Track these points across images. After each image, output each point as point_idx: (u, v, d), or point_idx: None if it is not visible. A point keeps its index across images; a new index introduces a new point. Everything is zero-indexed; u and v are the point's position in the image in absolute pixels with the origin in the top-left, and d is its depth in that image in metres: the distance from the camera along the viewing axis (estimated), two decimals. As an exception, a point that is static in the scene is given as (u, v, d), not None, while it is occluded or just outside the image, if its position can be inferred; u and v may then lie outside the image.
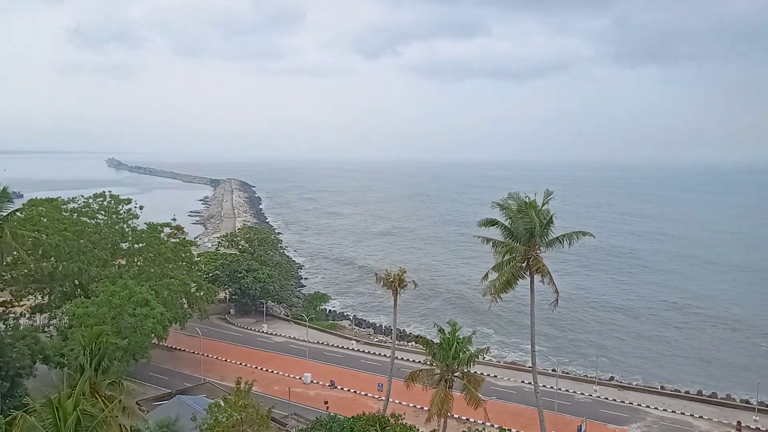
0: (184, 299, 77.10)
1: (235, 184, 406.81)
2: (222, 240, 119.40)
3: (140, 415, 44.04)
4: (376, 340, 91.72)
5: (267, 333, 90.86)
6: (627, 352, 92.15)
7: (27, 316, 74.43)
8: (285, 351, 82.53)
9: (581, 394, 69.15)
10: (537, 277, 41.28)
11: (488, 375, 69.48)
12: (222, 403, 43.19)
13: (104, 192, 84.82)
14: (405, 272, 53.15)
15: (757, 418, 62.08)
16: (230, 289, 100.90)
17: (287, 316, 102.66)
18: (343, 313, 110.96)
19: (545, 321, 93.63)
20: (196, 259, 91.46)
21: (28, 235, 56.94)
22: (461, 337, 43.10)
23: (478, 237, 42.60)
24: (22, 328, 58.92)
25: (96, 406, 31.98)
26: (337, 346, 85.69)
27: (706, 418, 62.89)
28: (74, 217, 78.69)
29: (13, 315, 71.63)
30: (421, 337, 48.68)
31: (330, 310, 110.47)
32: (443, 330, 43.27)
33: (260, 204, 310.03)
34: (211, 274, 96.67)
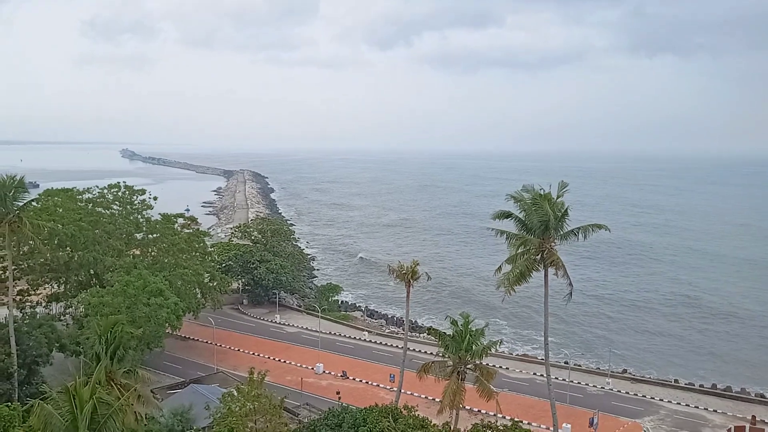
0: (197, 289, 77.76)
1: (248, 175, 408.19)
2: (235, 231, 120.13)
3: (155, 404, 44.61)
4: (387, 331, 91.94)
5: (279, 323, 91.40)
6: (640, 345, 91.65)
7: (43, 304, 75.39)
8: (297, 341, 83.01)
9: (593, 386, 68.95)
10: (551, 270, 41.06)
11: (500, 367, 69.55)
12: (235, 393, 43.52)
13: (119, 182, 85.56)
14: (418, 264, 53.11)
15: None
16: (243, 280, 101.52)
17: (299, 306, 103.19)
18: (355, 304, 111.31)
19: (558, 314, 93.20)
20: (210, 249, 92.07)
21: (44, 225, 57.54)
22: (474, 329, 43.04)
23: (492, 229, 42.42)
24: (38, 316, 59.83)
25: (112, 394, 32.37)
26: (349, 336, 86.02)
27: (720, 411, 62.45)
28: (89, 207, 79.53)
29: (29, 304, 72.64)
30: (433, 329, 48.70)
31: (342, 301, 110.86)
32: (456, 322, 43.23)
33: (273, 195, 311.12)
34: (224, 265, 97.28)
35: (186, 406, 50.55)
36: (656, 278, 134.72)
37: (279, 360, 75.13)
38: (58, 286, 77.51)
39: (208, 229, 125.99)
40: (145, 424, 40.35)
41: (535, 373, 71.77)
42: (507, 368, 73.11)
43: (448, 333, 44.39)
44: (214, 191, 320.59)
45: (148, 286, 62.40)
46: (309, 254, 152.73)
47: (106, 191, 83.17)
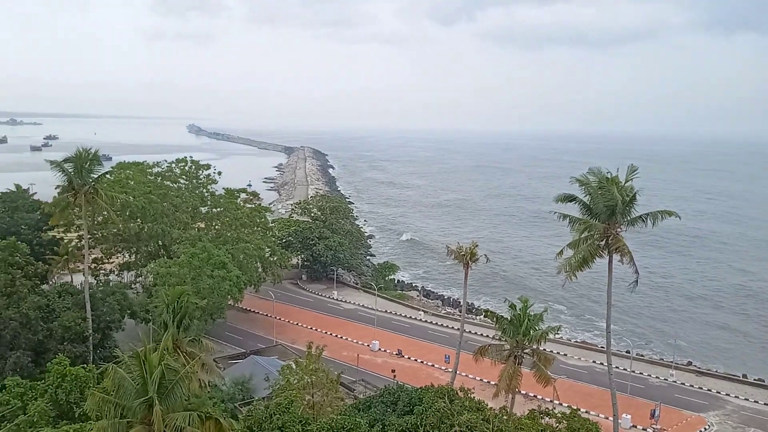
0: (258, 263, 79.61)
1: (308, 152, 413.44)
2: (295, 207, 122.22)
3: (218, 372, 46.31)
4: (443, 311, 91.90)
5: (337, 299, 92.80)
6: (706, 338, 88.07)
7: (116, 273, 79.01)
8: (354, 318, 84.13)
9: (656, 377, 66.90)
10: (615, 257, 39.75)
11: (558, 353, 68.39)
12: (294, 366, 44.57)
13: (186, 157, 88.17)
14: (477, 246, 52.57)
15: None
16: (302, 256, 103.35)
17: (357, 284, 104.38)
18: (411, 283, 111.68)
19: (621, 301, 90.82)
20: (271, 225, 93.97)
21: (117, 197, 60.10)
22: (532, 313, 42.37)
23: (554, 212, 41.32)
24: (111, 284, 62.78)
25: (178, 361, 33.68)
26: (405, 315, 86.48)
27: (792, 410, 59.44)
28: (158, 180, 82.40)
29: (103, 272, 76.33)
30: (490, 312, 48.24)
31: (398, 280, 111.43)
32: (514, 306, 42.63)
33: (332, 172, 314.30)
34: (284, 240, 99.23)
35: (246, 376, 52.30)
36: (723, 269, 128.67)
37: (336, 336, 76.41)
38: (130, 256, 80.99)
39: (269, 204, 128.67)
40: (209, 392, 41.96)
41: (594, 361, 70.24)
42: (565, 355, 71.83)
43: (505, 316, 43.89)
44: (276, 167, 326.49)
45: (212, 258, 64.38)
46: (367, 232, 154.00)
47: (174, 165, 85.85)
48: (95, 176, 53.48)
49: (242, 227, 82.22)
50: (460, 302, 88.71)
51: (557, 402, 51.50)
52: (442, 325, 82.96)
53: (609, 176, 38.99)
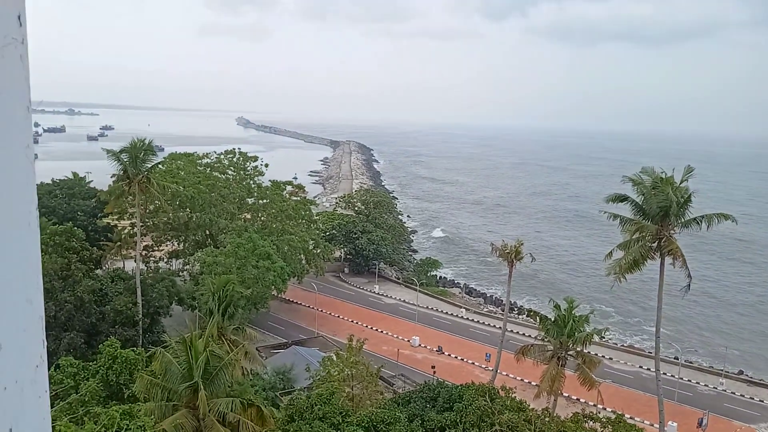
0: (302, 255, 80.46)
1: (353, 146, 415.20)
2: (339, 201, 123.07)
3: (260, 361, 47.16)
4: (485, 309, 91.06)
5: (378, 294, 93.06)
6: (759, 347, 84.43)
7: (165, 260, 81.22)
8: (395, 313, 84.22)
9: (705, 385, 64.70)
10: (667, 260, 38.52)
11: (603, 356, 66.85)
12: (335, 358, 44.99)
13: (234, 149, 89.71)
14: (522, 244, 51.84)
15: None
16: (345, 249, 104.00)
17: (398, 278, 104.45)
18: (453, 280, 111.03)
19: (671, 306, 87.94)
20: (315, 217, 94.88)
21: (168, 186, 61.71)
22: (578, 314, 41.53)
23: (604, 212, 40.31)
24: (160, 271, 64.58)
25: (222, 348, 34.45)
26: (446, 312, 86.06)
27: None
28: (207, 171, 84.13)
29: (153, 259, 78.61)
30: (534, 311, 47.55)
31: (441, 277, 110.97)
32: (559, 306, 41.88)
33: (377, 167, 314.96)
34: (328, 233, 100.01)
35: (288, 366, 53.04)
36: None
37: (376, 330, 76.67)
38: (178, 244, 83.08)
39: (314, 197, 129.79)
40: (251, 379, 42.71)
41: (641, 366, 68.40)
42: (611, 358, 70.16)
43: (549, 316, 43.17)
44: (321, 161, 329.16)
45: (257, 249, 65.40)
46: (409, 228, 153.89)
47: (222, 157, 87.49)
48: (149, 166, 55.03)
49: (287, 219, 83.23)
50: (502, 301, 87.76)
51: (601, 406, 50.34)
52: (483, 323, 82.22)
53: (663, 176, 37.76)
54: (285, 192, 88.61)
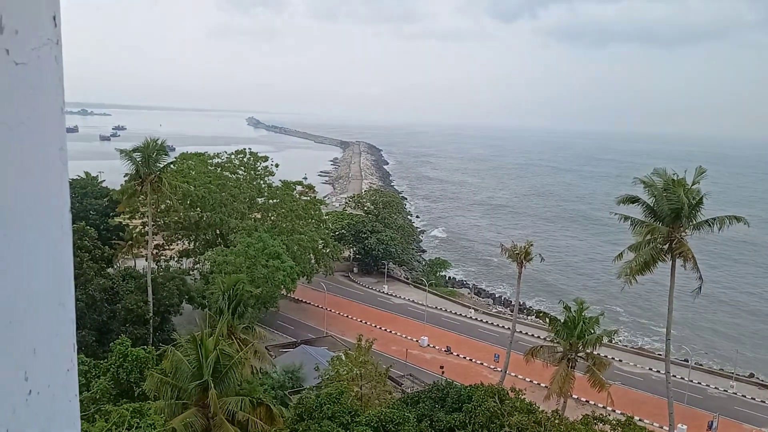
0: (311, 255, 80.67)
1: (363, 147, 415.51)
2: (349, 201, 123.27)
3: (269, 360, 47.37)
4: (494, 310, 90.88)
5: (387, 294, 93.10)
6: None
7: (175, 259, 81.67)
8: (403, 313, 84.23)
9: (715, 388, 64.25)
10: (678, 262, 38.29)
11: (613, 358, 66.52)
12: (343, 357, 45.10)
13: (245, 149, 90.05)
14: (532, 245, 51.72)
15: None
16: (354, 249, 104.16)
17: (407, 279, 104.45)
18: (462, 281, 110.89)
19: (682, 309, 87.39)
20: (325, 217, 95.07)
21: (180, 186, 62.08)
22: (588, 316, 41.39)
23: (615, 214, 40.14)
24: (171, 270, 64.97)
25: (232, 347, 34.66)
26: (455, 312, 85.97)
27: None
28: (218, 171, 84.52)
29: (164, 258, 79.13)
30: (543, 313, 47.47)
31: (449, 277, 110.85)
32: (569, 307, 41.77)
33: (386, 167, 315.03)
34: (337, 233, 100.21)
35: (297, 365, 53.22)
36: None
37: (385, 329, 76.71)
38: (189, 243, 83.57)
39: (324, 197, 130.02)
40: (260, 378, 42.91)
41: (651, 369, 68.01)
42: (621, 360, 69.78)
43: (559, 318, 43.06)
44: (331, 161, 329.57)
45: (267, 248, 65.66)
46: (418, 228, 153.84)
47: (233, 157, 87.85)
48: (161, 166, 55.42)
49: (297, 219, 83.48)
50: (511, 301, 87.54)
51: (611, 408, 50.12)
52: (492, 323, 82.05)
53: (675, 178, 37.54)
54: (295, 192, 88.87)
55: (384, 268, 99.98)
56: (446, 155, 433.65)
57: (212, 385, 27.24)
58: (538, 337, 71.35)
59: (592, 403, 54.92)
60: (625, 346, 77.41)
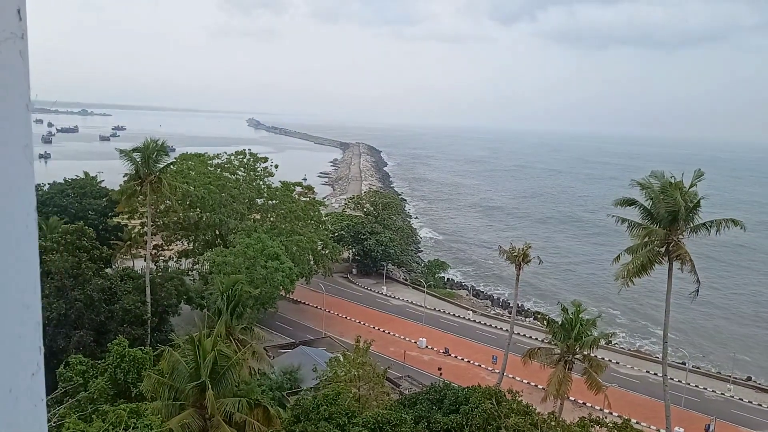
0: (310, 256, 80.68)
1: (363, 148, 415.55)
2: (348, 202, 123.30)
3: (267, 361, 47.42)
4: (493, 312, 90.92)
5: (386, 295, 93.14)
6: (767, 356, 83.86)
7: (174, 260, 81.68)
8: (402, 314, 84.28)
9: (712, 391, 64.34)
10: (675, 264, 38.37)
11: (610, 361, 66.61)
12: (341, 359, 45.16)
13: (244, 150, 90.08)
14: (530, 247, 51.80)
15: None
16: (353, 250, 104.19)
17: (406, 280, 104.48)
18: (461, 282, 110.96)
19: (680, 311, 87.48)
20: (324, 218, 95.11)
21: (179, 186, 62.10)
22: (585, 318, 41.48)
23: (613, 216, 40.23)
24: (170, 270, 64.98)
25: (230, 347, 34.67)
26: (454, 314, 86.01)
27: None
28: (218, 172, 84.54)
29: (163, 258, 79.12)
30: (541, 314, 47.55)
31: (448, 279, 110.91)
32: (566, 309, 41.85)
33: (386, 168, 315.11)
34: (336, 234, 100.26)
35: (295, 366, 53.26)
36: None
37: (383, 331, 76.75)
38: (188, 244, 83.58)
39: (323, 198, 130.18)
40: (258, 379, 42.94)
41: (648, 371, 68.08)
42: (618, 363, 69.87)
43: (556, 320, 43.17)
44: (331, 162, 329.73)
45: (266, 249, 65.70)
46: (416, 227, 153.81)
47: (233, 158, 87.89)
48: (161, 166, 55.42)
49: (296, 220, 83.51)
50: (509, 303, 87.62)
51: (608, 411, 50.18)
52: (490, 325, 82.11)
53: (672, 181, 37.62)
54: (294, 193, 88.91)
55: (383, 270, 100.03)
56: (445, 157, 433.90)
57: (210, 386, 27.28)
58: (536, 339, 71.42)
59: (590, 405, 54.98)
60: (623, 348, 77.48)
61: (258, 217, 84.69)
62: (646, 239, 37.67)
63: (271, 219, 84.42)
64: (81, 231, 53.97)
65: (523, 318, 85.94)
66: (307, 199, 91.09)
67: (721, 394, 63.77)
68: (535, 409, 33.90)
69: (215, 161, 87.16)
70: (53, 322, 44.30)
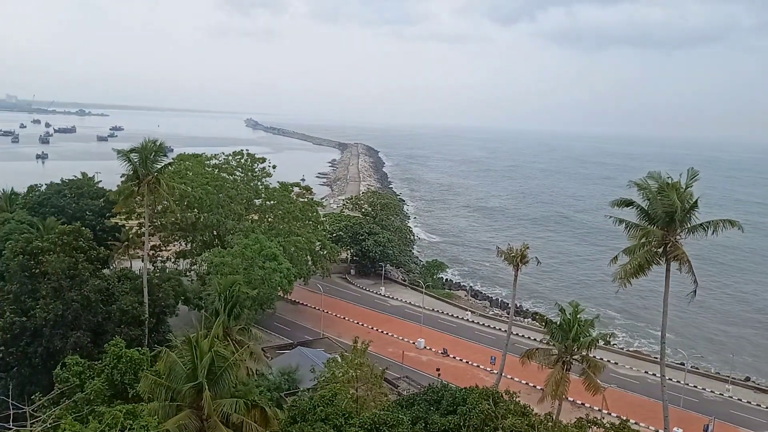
0: (308, 257, 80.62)
1: (361, 149, 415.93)
2: (347, 202, 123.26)
3: (265, 361, 47.23)
4: (491, 313, 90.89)
5: (384, 296, 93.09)
6: (765, 356, 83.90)
7: (172, 260, 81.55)
8: (400, 315, 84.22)
9: (711, 391, 64.33)
10: (673, 265, 38.30)
11: (609, 361, 66.58)
12: (339, 359, 45.07)
13: (242, 150, 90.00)
14: (528, 248, 51.75)
15: None
16: (352, 250, 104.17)
17: (404, 280, 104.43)
18: (459, 283, 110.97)
19: (678, 311, 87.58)
20: (322, 219, 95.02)
21: (177, 187, 61.92)
22: (583, 319, 41.40)
23: (610, 217, 40.13)
24: (167, 271, 64.78)
25: (227, 348, 34.50)
26: (452, 315, 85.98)
27: None
28: (215, 172, 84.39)
29: (160, 258, 78.99)
30: (539, 315, 47.45)
31: (446, 279, 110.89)
32: (564, 310, 41.77)
33: (384, 169, 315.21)
34: (334, 235, 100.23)
35: (293, 367, 53.16)
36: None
37: (381, 331, 76.68)
38: (186, 244, 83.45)
39: (322, 199, 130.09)
40: (256, 380, 42.79)
41: (646, 372, 68.07)
42: (616, 363, 69.82)
43: (554, 320, 43.09)
44: (329, 163, 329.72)
45: (264, 250, 65.62)
46: (414, 228, 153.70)
47: (230, 158, 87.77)
48: (158, 167, 55.22)
49: (294, 220, 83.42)
50: (508, 303, 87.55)
51: (606, 411, 50.15)
52: (489, 326, 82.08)
53: (669, 181, 37.53)
54: (292, 193, 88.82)
55: (381, 270, 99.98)
56: (443, 157, 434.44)
57: (207, 387, 27.15)
58: (535, 339, 71.43)
59: (588, 405, 55.00)
60: (621, 348, 77.44)
61: (256, 217, 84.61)
62: (644, 240, 37.62)
63: (269, 219, 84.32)
64: (78, 232, 53.68)
65: (521, 318, 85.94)
66: (305, 199, 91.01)
67: (720, 394, 63.78)
68: (533, 410, 33.85)
69: (213, 162, 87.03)
70: (50, 323, 44.13)
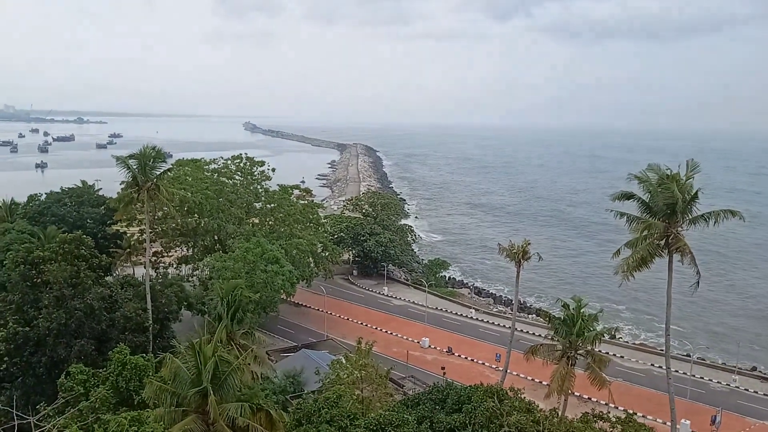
0: (310, 259, 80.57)
1: (360, 149, 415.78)
2: (347, 203, 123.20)
3: (269, 365, 47.21)
4: (495, 310, 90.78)
5: (387, 296, 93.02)
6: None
7: (174, 266, 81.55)
8: (404, 314, 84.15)
9: (718, 382, 64.18)
10: (675, 257, 38.21)
11: (614, 355, 66.46)
12: (344, 361, 45.01)
13: (241, 154, 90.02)
14: (529, 244, 51.67)
15: None
16: (354, 251, 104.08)
17: (407, 280, 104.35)
18: (462, 281, 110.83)
19: (682, 304, 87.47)
20: (323, 221, 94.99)
21: (177, 193, 61.88)
22: (587, 313, 41.30)
23: (611, 210, 40.03)
24: (170, 276, 64.82)
25: (231, 352, 34.50)
26: (456, 313, 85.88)
27: None
28: (215, 177, 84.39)
29: (162, 264, 78.95)
30: (543, 311, 47.37)
31: (449, 278, 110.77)
32: (567, 305, 41.66)
33: (384, 168, 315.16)
34: (336, 236, 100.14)
35: (297, 370, 53.12)
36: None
37: (386, 331, 76.61)
38: (187, 250, 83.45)
39: (322, 200, 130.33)
40: (260, 383, 42.78)
41: (652, 364, 67.94)
42: (622, 357, 69.76)
43: (558, 316, 42.99)
44: (329, 164, 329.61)
45: (265, 253, 65.58)
46: (416, 227, 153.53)
47: (229, 162, 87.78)
48: (158, 173, 55.25)
49: (295, 223, 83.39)
50: (511, 300, 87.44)
51: (612, 405, 50.05)
52: (493, 323, 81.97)
53: (669, 173, 37.45)
54: (293, 196, 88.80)
55: (384, 270, 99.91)
56: (441, 155, 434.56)
57: (211, 392, 27.12)
58: (539, 335, 71.31)
59: (594, 400, 54.87)
60: (626, 342, 77.34)
61: (256, 221, 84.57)
62: (646, 233, 37.53)
63: (270, 223, 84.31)
64: (79, 240, 53.65)
65: (525, 315, 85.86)
66: (306, 201, 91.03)
67: (727, 385, 63.61)
68: (538, 406, 33.78)
69: (212, 166, 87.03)
70: (53, 332, 44.08)
